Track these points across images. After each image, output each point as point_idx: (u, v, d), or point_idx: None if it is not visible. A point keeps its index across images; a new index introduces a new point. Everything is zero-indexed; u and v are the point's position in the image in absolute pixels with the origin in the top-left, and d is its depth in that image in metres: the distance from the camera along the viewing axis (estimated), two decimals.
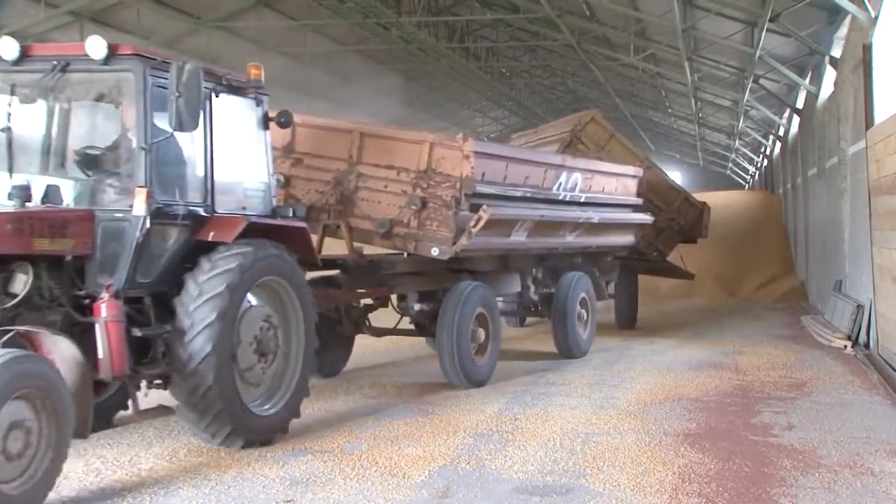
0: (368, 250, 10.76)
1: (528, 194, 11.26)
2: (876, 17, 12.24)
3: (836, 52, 15.87)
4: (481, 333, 10.86)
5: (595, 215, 12.81)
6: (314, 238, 9.64)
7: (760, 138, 33.65)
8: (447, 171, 9.87)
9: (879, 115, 12.09)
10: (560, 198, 12.07)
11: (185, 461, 7.28)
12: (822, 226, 18.85)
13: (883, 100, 12.16)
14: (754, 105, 25.61)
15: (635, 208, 14.60)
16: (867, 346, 12.99)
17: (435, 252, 9.84)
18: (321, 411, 9.26)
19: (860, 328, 13.47)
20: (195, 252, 7.39)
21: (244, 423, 7.40)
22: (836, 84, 15.79)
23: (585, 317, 13.36)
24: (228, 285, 7.20)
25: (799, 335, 15.57)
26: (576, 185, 12.39)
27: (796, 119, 23.61)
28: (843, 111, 14.97)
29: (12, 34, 22.66)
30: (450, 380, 10.44)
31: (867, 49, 12.47)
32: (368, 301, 11.17)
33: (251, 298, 7.70)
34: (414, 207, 9.90)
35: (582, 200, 12.64)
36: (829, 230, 17.57)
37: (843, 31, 15.23)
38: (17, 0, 20.07)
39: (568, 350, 12.93)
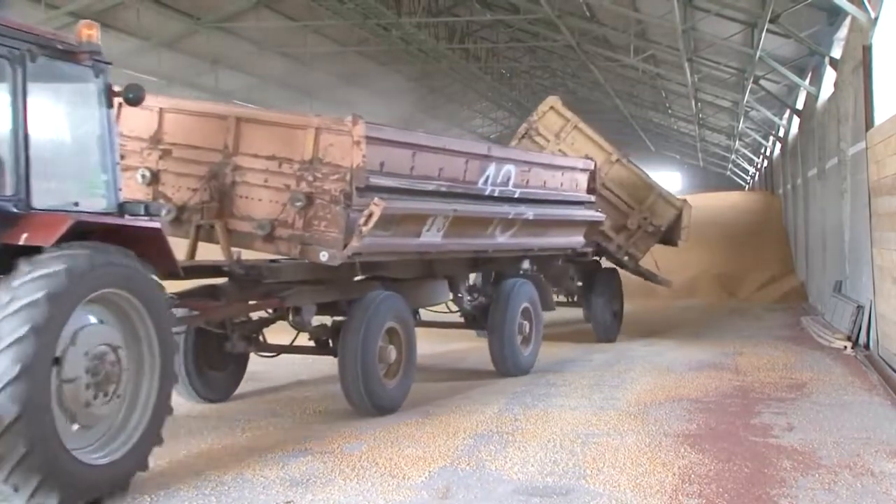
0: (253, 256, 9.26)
1: (444, 188, 9.60)
2: (876, 18, 12.24)
3: (836, 53, 15.88)
4: (392, 352, 9.36)
5: (529, 211, 11.13)
6: (186, 242, 8.79)
7: (760, 139, 33.65)
8: (336, 161, 8.38)
9: (879, 116, 12.10)
10: (487, 193, 10.46)
11: (185, 462, 7.28)
12: (822, 227, 18.85)
13: (883, 101, 12.17)
14: (754, 106, 25.62)
15: (586, 205, 13.03)
16: (867, 346, 12.99)
17: (324, 257, 8.39)
18: (320, 412, 9.27)
19: (860, 329, 13.47)
20: (7, 257, 5.80)
21: (62, 474, 5.66)
22: (836, 85, 15.80)
23: (528, 329, 11.84)
24: (49, 293, 5.60)
25: (799, 336, 15.58)
26: (508, 178, 10.82)
27: (796, 120, 23.61)
28: (843, 112, 14.98)
29: None
30: (353, 406, 9.07)
31: (867, 50, 12.47)
32: (264, 313, 9.73)
33: (90, 317, 6.15)
34: (298, 204, 8.43)
35: (516, 196, 11.01)
36: (830, 231, 17.57)
37: (843, 32, 15.24)
38: (17, 1, 20.09)
39: (505, 367, 11.41)
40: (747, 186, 48.33)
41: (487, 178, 10.43)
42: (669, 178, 60.21)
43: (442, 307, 11.97)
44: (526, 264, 12.56)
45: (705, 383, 10.78)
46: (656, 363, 12.53)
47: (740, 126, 30.62)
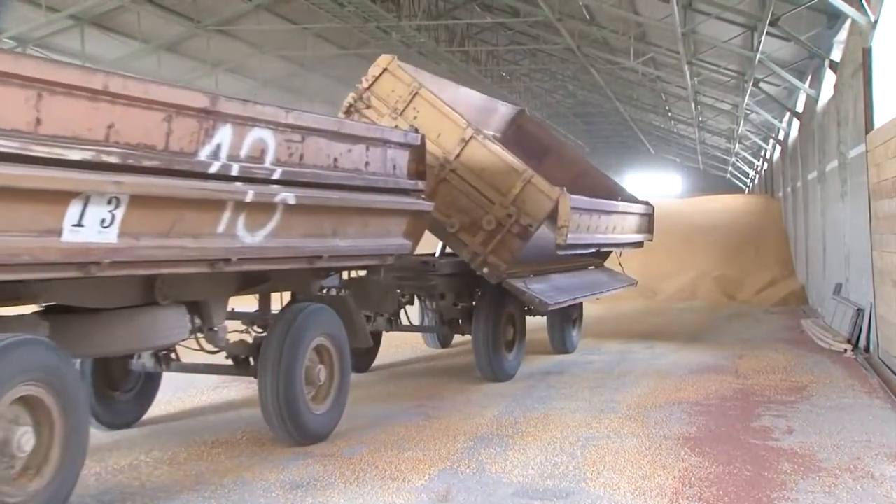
0: None
1: (114, 158, 5.73)
2: (875, 21, 12.26)
3: (836, 55, 15.89)
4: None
5: (291, 196, 7.31)
6: None
7: (760, 142, 33.68)
8: None
9: (879, 119, 12.10)
10: (215, 170, 6.59)
11: (185, 465, 7.28)
12: (822, 229, 18.86)
13: (883, 103, 12.18)
14: (754, 108, 25.64)
15: (412, 194, 9.27)
16: (867, 349, 12.99)
17: None
18: None
19: (860, 332, 13.47)
20: None
21: None
22: (835, 88, 15.81)
23: (323, 376, 8.25)
24: None
25: (799, 339, 15.57)
26: (263, 151, 7.05)
27: (796, 123, 23.62)
28: (842, 115, 14.99)
29: (13, 38, 22.88)
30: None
31: (867, 53, 12.48)
32: None
33: None
34: None
35: (275, 177, 7.19)
36: (829, 234, 17.58)
37: (843, 34, 15.25)
38: (18, 4, 20.13)
39: (285, 431, 7.85)
40: (747, 189, 48.37)
41: (217, 148, 6.60)
42: (670, 181, 60.48)
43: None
44: (331, 281, 9.74)
45: (705, 386, 10.78)
46: (656, 366, 12.53)
47: (740, 129, 30.64)
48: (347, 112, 11.00)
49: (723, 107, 29.67)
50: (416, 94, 10.82)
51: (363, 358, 11.67)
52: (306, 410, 7.91)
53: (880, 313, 12.04)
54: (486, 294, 11.31)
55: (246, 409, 9.59)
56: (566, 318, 13.58)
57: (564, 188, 10.78)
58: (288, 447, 7.79)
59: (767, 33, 16.04)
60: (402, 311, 11.89)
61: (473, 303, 11.69)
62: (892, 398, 9.82)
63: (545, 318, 12.91)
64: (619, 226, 13.88)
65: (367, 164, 8.51)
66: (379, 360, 12.59)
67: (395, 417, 9.04)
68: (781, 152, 29.63)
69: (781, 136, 28.52)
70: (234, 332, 8.27)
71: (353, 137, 8.36)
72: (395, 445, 7.82)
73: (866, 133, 12.31)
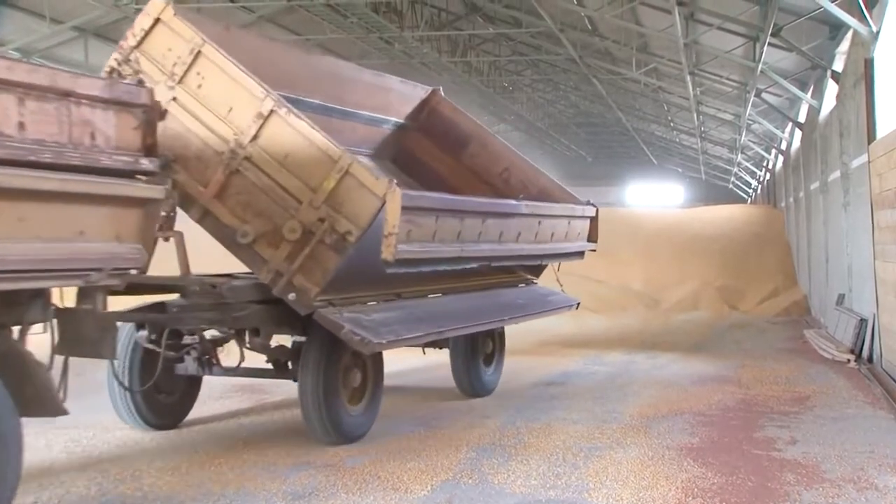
0: None
1: None
2: (877, 32, 12.29)
3: (838, 66, 15.92)
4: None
5: None
6: None
7: (762, 152, 33.71)
8: None
9: (881, 130, 12.12)
10: None
11: (187, 475, 7.26)
12: (824, 239, 18.85)
13: (885, 114, 12.20)
14: (756, 119, 25.68)
15: (113, 174, 6.29)
16: (870, 359, 12.97)
17: None
18: None
19: (863, 342, 13.45)
20: None
21: None
22: (838, 98, 15.83)
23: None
24: None
25: (802, 349, 15.55)
26: None
27: (798, 133, 23.65)
28: (845, 125, 15.01)
29: (17, 50, 22.95)
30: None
31: (869, 63, 12.51)
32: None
33: None
34: None
35: None
36: (832, 244, 17.57)
37: (845, 45, 15.29)
38: (21, 16, 20.22)
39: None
40: (750, 199, 48.37)
41: None
42: (672, 191, 60.49)
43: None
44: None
45: (708, 396, 10.76)
46: (659, 376, 12.51)
47: (742, 139, 30.67)
48: (111, 73, 8.03)
49: (725, 117, 29.71)
50: (199, 53, 7.87)
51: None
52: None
53: (883, 323, 12.03)
54: (319, 327, 7.82)
55: (247, 418, 9.59)
56: (472, 351, 10.68)
57: (394, 180, 7.60)
58: (289, 457, 7.78)
59: (769, 44, 16.07)
60: (219, 349, 8.96)
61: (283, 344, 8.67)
62: (895, 408, 9.82)
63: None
64: (532, 233, 10.50)
65: (21, 125, 5.57)
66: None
67: (397, 427, 9.03)
68: (784, 162, 29.64)
69: (784, 147, 28.54)
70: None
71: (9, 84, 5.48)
72: (397, 455, 7.81)
73: (868, 143, 12.32)
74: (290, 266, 7.66)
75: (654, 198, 58.13)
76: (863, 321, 13.63)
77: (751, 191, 47.90)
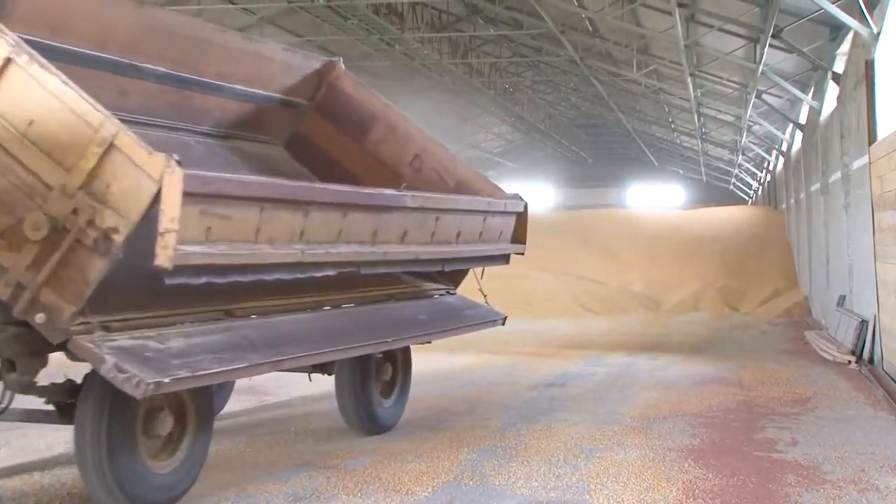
0: None
1: None
2: (878, 34, 12.29)
3: (839, 67, 15.92)
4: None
5: None
6: None
7: (763, 153, 33.72)
8: None
9: (882, 131, 12.12)
10: None
11: None
12: (825, 241, 18.86)
13: (885, 115, 12.20)
14: (757, 120, 25.68)
15: None
16: (871, 361, 12.97)
17: None
18: (323, 427, 9.26)
19: (864, 343, 13.45)
20: None
21: None
22: (838, 100, 15.83)
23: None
24: None
25: (802, 350, 15.54)
26: None
27: (799, 134, 23.66)
28: (845, 126, 15.02)
29: None
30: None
31: (870, 65, 12.52)
32: None
33: None
34: None
35: None
36: (833, 245, 17.57)
37: (846, 46, 15.29)
38: None
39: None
40: (750, 201, 48.35)
41: None
42: (673, 192, 60.47)
43: None
44: None
45: (709, 398, 10.76)
46: (659, 378, 12.50)
47: (743, 140, 30.67)
48: None
49: (726, 118, 29.71)
50: None
51: None
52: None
53: (884, 325, 12.02)
54: (95, 385, 5.80)
55: (247, 419, 9.59)
56: (363, 378, 8.63)
57: (175, 156, 5.35)
58: (290, 459, 7.78)
59: (770, 45, 16.08)
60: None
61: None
62: None
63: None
64: (426, 232, 8.34)
65: None
66: None
67: (397, 429, 9.02)
68: (784, 164, 29.64)
69: (784, 148, 28.54)
70: None
71: None
72: (398, 457, 7.81)
73: (869, 145, 12.32)
74: (34, 276, 5.44)
75: (654, 199, 58.06)
76: (863, 322, 13.63)
77: (751, 192, 47.88)
